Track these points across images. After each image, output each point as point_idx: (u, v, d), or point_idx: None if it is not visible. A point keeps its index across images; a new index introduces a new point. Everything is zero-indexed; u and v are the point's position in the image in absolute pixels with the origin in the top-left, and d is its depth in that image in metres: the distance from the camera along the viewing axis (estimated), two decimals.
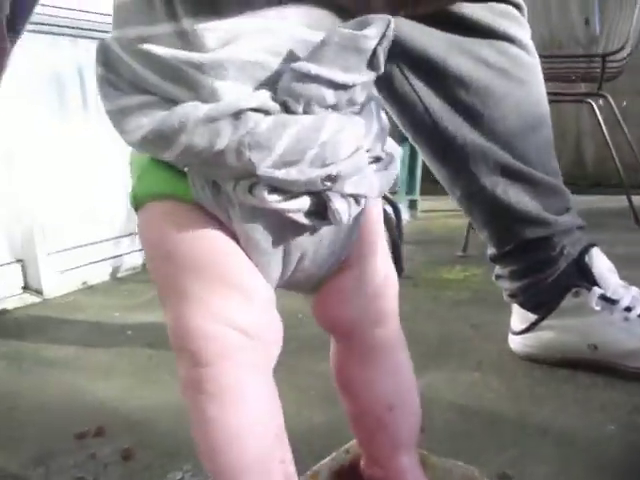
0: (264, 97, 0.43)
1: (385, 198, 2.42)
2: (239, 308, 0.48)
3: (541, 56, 0.98)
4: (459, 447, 0.83)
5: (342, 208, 0.46)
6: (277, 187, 0.44)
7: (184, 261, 0.48)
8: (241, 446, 0.48)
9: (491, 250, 1.05)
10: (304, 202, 0.46)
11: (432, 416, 0.92)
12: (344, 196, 0.46)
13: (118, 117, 0.44)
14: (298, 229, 0.49)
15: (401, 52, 0.91)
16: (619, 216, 2.19)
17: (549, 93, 0.99)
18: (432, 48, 0.91)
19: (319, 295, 0.57)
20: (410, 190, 2.58)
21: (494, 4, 0.90)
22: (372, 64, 0.45)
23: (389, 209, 2.47)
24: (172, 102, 0.43)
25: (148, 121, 0.43)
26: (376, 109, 0.50)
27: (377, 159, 0.49)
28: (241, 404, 0.48)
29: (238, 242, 0.49)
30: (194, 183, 0.47)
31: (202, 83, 0.43)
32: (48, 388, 1.11)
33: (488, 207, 0.99)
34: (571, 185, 1.03)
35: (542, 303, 1.03)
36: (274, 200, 0.45)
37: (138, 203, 0.50)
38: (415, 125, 0.97)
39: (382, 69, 0.45)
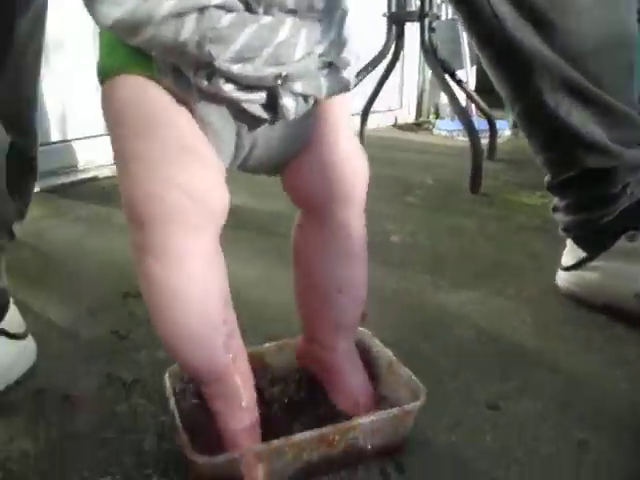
0: None
1: (482, 111, 2.33)
2: (187, 172, 0.50)
3: None
4: (462, 367, 0.81)
5: (290, 104, 0.51)
6: (232, 79, 0.48)
7: (140, 125, 0.51)
8: (183, 305, 0.52)
9: (547, 177, 0.98)
10: (257, 95, 0.50)
11: (450, 331, 0.91)
12: (293, 94, 0.51)
13: (91, 3, 0.46)
14: (250, 118, 0.53)
15: None
16: None
17: None
18: None
19: (286, 171, 0.62)
20: None
21: None
22: None
23: (484, 124, 2.38)
24: None
25: (118, 11, 0.45)
26: (340, 19, 0.52)
27: (329, 64, 0.52)
28: (183, 265, 0.51)
29: (195, 119, 0.52)
30: (158, 65, 0.50)
31: None
32: (111, 250, 1.23)
33: (548, 127, 0.91)
34: None
35: (594, 241, 0.96)
36: (229, 90, 0.49)
37: (104, 75, 0.53)
38: (481, 29, 0.89)
39: None
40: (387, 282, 1.06)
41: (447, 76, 1.86)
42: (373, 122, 2.45)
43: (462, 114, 1.78)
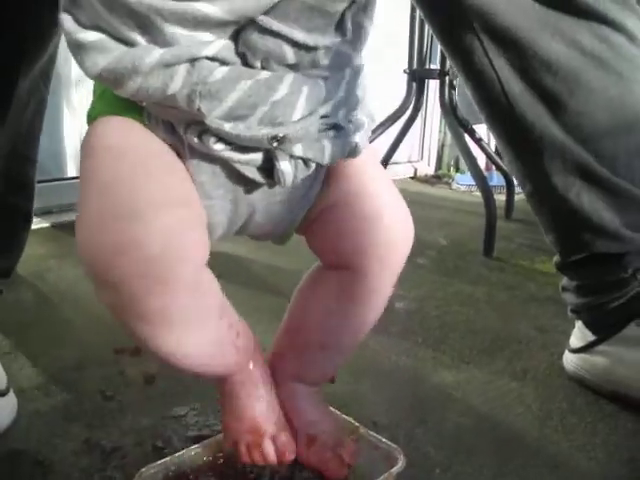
0: (223, 46, 0.42)
1: (500, 168, 2.31)
2: (162, 229, 0.45)
3: None
4: (456, 459, 0.77)
5: (287, 169, 0.46)
6: (224, 138, 0.44)
7: (122, 168, 0.46)
8: (189, 350, 0.51)
9: (557, 256, 0.95)
10: (252, 156, 0.46)
11: (447, 416, 0.87)
12: (292, 157, 0.46)
13: (76, 51, 0.44)
14: (247, 182, 0.48)
15: (486, 24, 0.80)
16: None
17: None
18: (521, 24, 0.79)
19: (308, 233, 0.58)
20: None
21: None
22: (340, 28, 0.43)
23: (500, 180, 2.35)
24: (128, 43, 0.42)
25: (103, 60, 0.42)
26: (352, 78, 0.48)
27: (335, 126, 0.47)
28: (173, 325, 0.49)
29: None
30: (149, 116, 0.47)
31: (162, 29, 0.41)
32: None
33: (557, 209, 0.88)
34: None
35: (604, 325, 0.92)
36: (220, 149, 0.45)
37: (92, 118, 0.49)
38: (490, 105, 0.87)
39: (350, 35, 0.43)
40: (386, 354, 1.02)
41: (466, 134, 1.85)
42: (392, 173, 2.43)
43: (476, 172, 1.76)
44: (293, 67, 0.43)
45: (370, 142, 1.97)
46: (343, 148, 0.49)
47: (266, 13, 0.40)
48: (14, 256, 0.87)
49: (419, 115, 2.10)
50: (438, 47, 2.03)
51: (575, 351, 0.97)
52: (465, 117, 1.86)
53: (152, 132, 0.47)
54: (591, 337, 0.94)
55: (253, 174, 0.47)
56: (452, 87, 1.82)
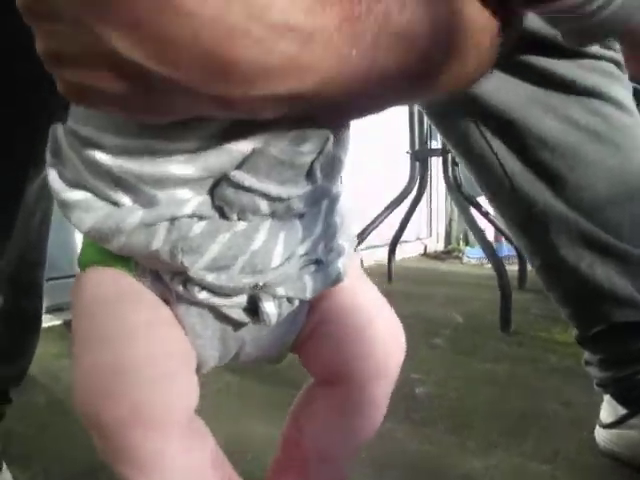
0: (200, 203, 0.43)
1: (508, 239, 2.29)
2: (149, 386, 0.45)
3: None
4: None
5: (271, 310, 0.47)
6: (208, 287, 0.45)
7: (109, 321, 0.47)
8: None
9: (575, 331, 0.93)
10: (236, 300, 0.47)
11: None
12: (276, 297, 0.47)
13: (63, 208, 0.45)
14: (234, 321, 0.49)
15: (478, 108, 0.82)
16: None
17: None
18: (513, 105, 0.81)
19: (301, 350, 0.57)
20: None
21: (583, 61, 0.79)
22: (310, 177, 0.44)
23: (510, 250, 2.33)
24: (114, 203, 0.44)
25: (89, 219, 0.44)
26: (329, 207, 0.49)
27: (316, 261, 0.48)
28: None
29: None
30: (136, 266, 0.48)
31: (143, 190, 0.43)
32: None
33: (570, 282, 0.87)
34: None
35: (634, 398, 0.90)
36: (204, 297, 0.46)
37: (81, 267, 0.50)
38: (492, 187, 0.87)
39: (319, 181, 0.44)
40: (410, 443, 0.99)
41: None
42: (402, 252, 2.44)
43: (486, 245, 1.76)
44: (267, 216, 0.44)
45: (378, 224, 1.99)
46: (325, 280, 0.50)
47: (238, 167, 0.42)
48: (26, 361, 0.86)
49: (425, 193, 2.12)
50: None
51: (607, 426, 0.94)
52: (470, 191, 1.87)
53: (140, 282, 0.48)
54: (622, 411, 0.91)
55: (239, 315, 0.48)
56: (455, 164, 1.84)
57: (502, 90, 0.81)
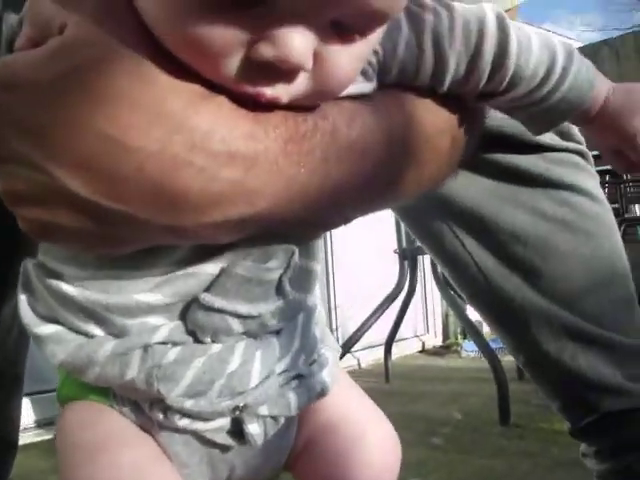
0: (172, 330, 0.42)
1: None
2: None
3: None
4: None
5: (256, 431, 0.45)
6: (188, 414, 0.44)
7: (92, 450, 0.46)
8: None
9: (568, 424, 0.92)
10: (220, 422, 0.45)
11: None
12: (260, 417, 0.45)
13: (37, 341, 0.45)
14: (220, 445, 0.47)
15: (450, 209, 0.84)
16: None
17: None
18: (483, 202, 0.83)
19: (294, 468, 0.54)
20: None
21: (547, 154, 0.82)
22: (280, 292, 0.43)
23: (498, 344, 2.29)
24: (85, 334, 0.43)
25: (61, 352, 0.43)
26: (305, 320, 0.48)
27: (297, 376, 0.46)
28: None
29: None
30: (115, 396, 0.47)
31: (112, 321, 0.42)
32: None
33: (555, 374, 0.86)
34: None
35: None
36: (186, 424, 0.44)
37: (61, 403, 0.50)
38: (469, 286, 0.88)
39: (290, 295, 0.44)
40: None
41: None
42: (401, 349, 2.43)
43: (479, 341, 1.75)
44: (241, 336, 0.44)
45: (371, 324, 1.97)
46: (309, 394, 0.48)
47: (207, 290, 0.42)
48: None
49: (418, 289, 2.13)
50: None
51: None
52: None
53: (120, 412, 0.47)
54: None
55: (224, 439, 0.46)
56: None
57: (471, 189, 0.83)
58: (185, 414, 0.43)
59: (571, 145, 0.83)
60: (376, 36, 0.38)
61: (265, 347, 0.44)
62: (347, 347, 2.00)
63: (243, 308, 0.42)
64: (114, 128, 0.36)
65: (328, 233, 2.18)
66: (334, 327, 2.43)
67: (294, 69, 0.35)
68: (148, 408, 0.45)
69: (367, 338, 2.11)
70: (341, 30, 0.36)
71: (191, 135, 0.35)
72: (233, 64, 0.35)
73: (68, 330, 0.43)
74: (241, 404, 0.43)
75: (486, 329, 2.17)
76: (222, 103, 0.37)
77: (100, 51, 0.36)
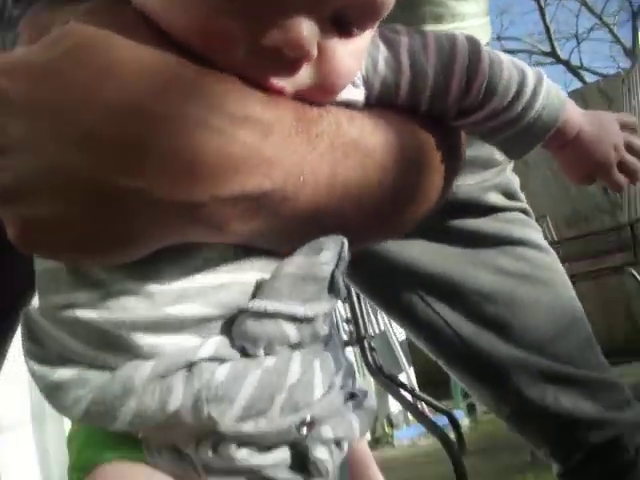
0: (218, 344, 0.39)
1: (436, 408, 2.30)
2: None
3: (572, 238, 0.97)
4: None
5: (324, 457, 0.40)
6: (246, 441, 0.39)
7: None
8: None
9: (557, 467, 0.96)
10: (281, 454, 0.40)
11: None
12: (324, 442, 0.41)
13: (54, 393, 0.39)
14: None
15: (419, 279, 0.90)
16: None
17: (588, 271, 0.96)
18: (450, 268, 0.89)
19: None
20: (467, 393, 2.47)
21: (498, 214, 0.90)
22: (332, 289, 0.41)
23: (443, 420, 2.36)
24: (107, 369, 0.39)
25: (86, 392, 0.38)
26: (339, 342, 0.46)
27: (352, 395, 0.44)
28: None
29: None
30: (148, 447, 0.41)
31: (137, 342, 0.38)
32: None
33: (541, 420, 0.91)
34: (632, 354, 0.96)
35: None
36: (244, 457, 0.39)
37: (81, 470, 0.42)
38: (445, 350, 0.93)
39: (343, 294, 0.41)
40: None
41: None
42: None
43: (420, 416, 1.78)
44: (296, 346, 0.40)
45: None
46: (367, 417, 0.45)
47: (255, 296, 0.39)
48: None
49: None
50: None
51: None
52: (391, 371, 1.92)
53: (154, 468, 0.41)
54: None
55: (287, 475, 0.41)
56: (372, 349, 1.89)
57: (436, 257, 0.89)
58: (242, 443, 0.39)
59: (517, 204, 0.93)
60: (371, 33, 0.41)
61: (322, 359, 0.41)
62: None
63: (299, 309, 0.39)
64: (124, 94, 0.35)
65: None
66: None
67: (300, 57, 0.37)
68: (193, 449, 0.39)
69: None
70: (340, 25, 0.39)
71: (206, 97, 0.35)
72: (241, 52, 0.37)
73: (89, 368, 0.39)
74: (307, 417, 0.39)
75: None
76: (234, 78, 0.38)
77: (101, 32, 0.37)
